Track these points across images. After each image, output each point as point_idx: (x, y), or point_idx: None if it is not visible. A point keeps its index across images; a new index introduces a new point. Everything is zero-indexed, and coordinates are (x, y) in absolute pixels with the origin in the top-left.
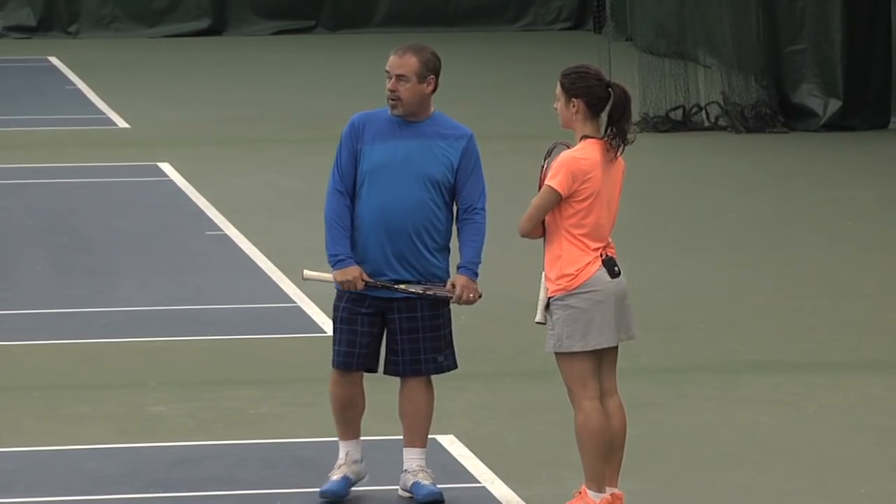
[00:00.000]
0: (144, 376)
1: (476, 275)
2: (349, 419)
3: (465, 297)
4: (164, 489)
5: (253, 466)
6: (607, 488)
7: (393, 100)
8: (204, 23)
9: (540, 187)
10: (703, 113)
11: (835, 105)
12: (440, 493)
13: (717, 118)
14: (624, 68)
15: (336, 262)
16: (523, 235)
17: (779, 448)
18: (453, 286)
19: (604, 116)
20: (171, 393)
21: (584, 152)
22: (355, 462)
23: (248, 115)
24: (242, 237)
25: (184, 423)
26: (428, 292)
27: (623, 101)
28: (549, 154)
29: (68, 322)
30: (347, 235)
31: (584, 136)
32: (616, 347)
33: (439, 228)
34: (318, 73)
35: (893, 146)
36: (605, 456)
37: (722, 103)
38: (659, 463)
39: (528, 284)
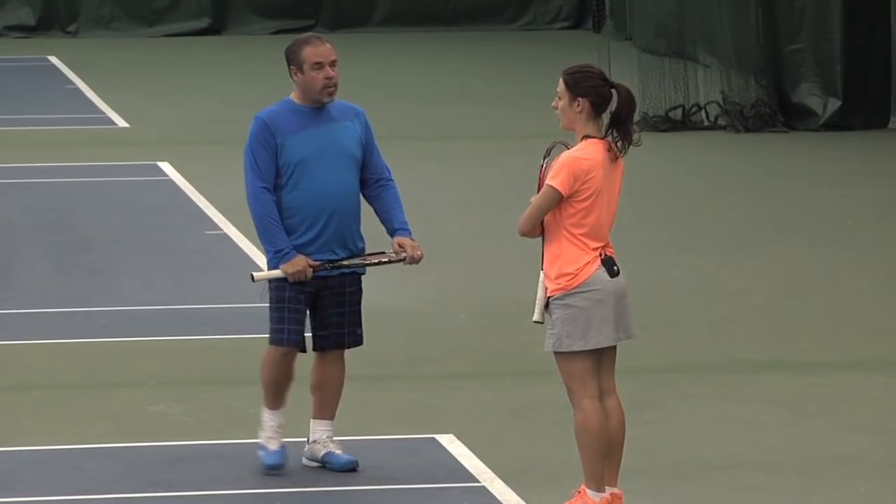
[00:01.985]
0: (144, 375)
1: (411, 234)
2: (285, 391)
3: (417, 255)
4: (164, 488)
5: (252, 466)
6: (606, 487)
7: (332, 87)
8: (203, 22)
9: (539, 187)
10: (703, 112)
11: (834, 104)
12: (356, 461)
13: (716, 117)
14: (623, 68)
15: (282, 256)
16: (522, 235)
17: (778, 447)
18: (401, 248)
19: (604, 116)
20: (171, 392)
21: (586, 152)
22: (323, 443)
23: (247, 115)
24: (242, 236)
25: (183, 423)
26: (383, 260)
27: (628, 102)
28: (548, 154)
29: (68, 321)
30: (282, 228)
31: (586, 136)
32: (615, 347)
33: (360, 204)
34: None
35: (893, 145)
36: (604, 455)
37: (721, 103)
38: (658, 462)
39: (527, 284)
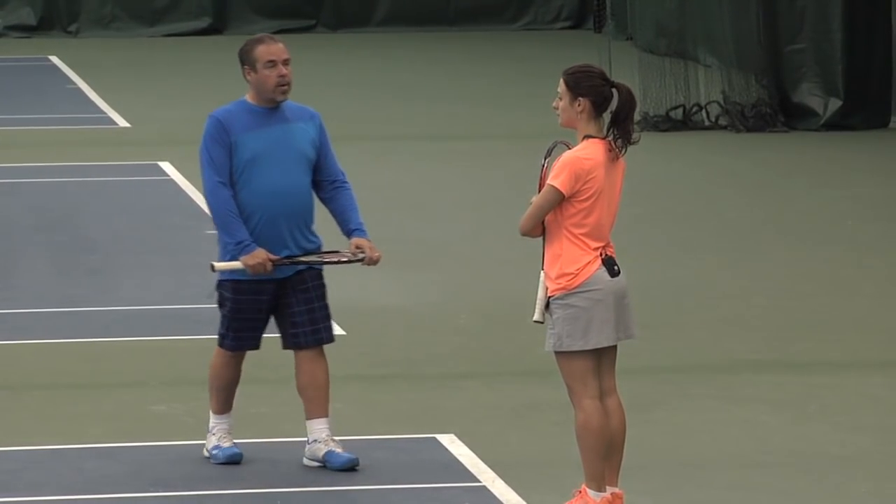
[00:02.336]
0: (145, 375)
1: (367, 235)
2: (232, 394)
3: (375, 256)
4: (165, 488)
5: (253, 465)
6: (607, 487)
7: (285, 85)
8: (204, 22)
9: (540, 187)
10: (704, 112)
11: (835, 104)
12: (357, 459)
13: (717, 117)
14: (624, 67)
15: (243, 248)
16: (524, 234)
17: (779, 447)
18: (358, 249)
19: (605, 116)
20: (172, 392)
21: (587, 152)
22: (323, 441)
23: None
24: None
25: (184, 422)
26: (342, 259)
27: (629, 101)
28: (549, 153)
29: (68, 321)
30: (241, 222)
31: (587, 136)
32: (615, 347)
33: (313, 204)
34: (318, 72)
35: (894, 145)
36: (605, 455)
37: (722, 102)
38: (659, 462)
39: (528, 284)
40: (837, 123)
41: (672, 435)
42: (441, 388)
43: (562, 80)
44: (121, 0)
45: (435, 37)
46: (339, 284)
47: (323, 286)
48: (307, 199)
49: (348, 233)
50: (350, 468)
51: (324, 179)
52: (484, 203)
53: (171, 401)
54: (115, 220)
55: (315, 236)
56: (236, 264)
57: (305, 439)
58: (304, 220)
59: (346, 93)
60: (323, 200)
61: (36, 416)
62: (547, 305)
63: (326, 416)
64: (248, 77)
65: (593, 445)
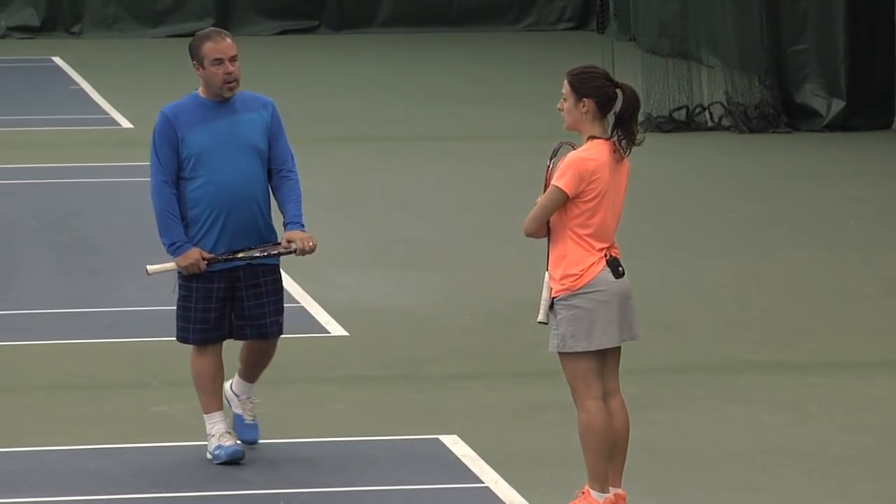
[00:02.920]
0: (147, 376)
1: (303, 226)
2: (216, 389)
3: (307, 247)
4: (167, 489)
5: (256, 466)
6: (610, 488)
7: (231, 82)
8: (207, 23)
9: (545, 187)
10: (707, 113)
11: (838, 105)
12: (256, 440)
13: (720, 118)
14: (627, 68)
15: (176, 249)
16: (528, 235)
17: (781, 448)
18: (290, 241)
19: (610, 117)
20: (174, 393)
21: (592, 153)
22: (242, 402)
23: None
24: None
25: (187, 423)
26: (272, 252)
27: (633, 102)
28: (555, 154)
29: (71, 322)
30: (180, 222)
31: (591, 137)
32: (619, 348)
33: (268, 195)
34: (321, 73)
35: None
36: (608, 456)
37: (725, 103)
38: (662, 463)
39: (531, 285)
40: (840, 124)
41: (674, 435)
42: (444, 388)
43: (566, 81)
44: (124, 1)
45: (438, 37)
46: (341, 285)
47: (277, 281)
48: (258, 189)
49: (284, 224)
50: (249, 442)
51: (273, 167)
52: (487, 204)
53: (173, 401)
54: (117, 221)
55: (273, 230)
56: (170, 266)
57: (309, 439)
58: (258, 211)
59: (349, 93)
60: (271, 189)
61: (38, 417)
62: (551, 306)
63: (253, 383)
64: (198, 72)
65: (596, 446)
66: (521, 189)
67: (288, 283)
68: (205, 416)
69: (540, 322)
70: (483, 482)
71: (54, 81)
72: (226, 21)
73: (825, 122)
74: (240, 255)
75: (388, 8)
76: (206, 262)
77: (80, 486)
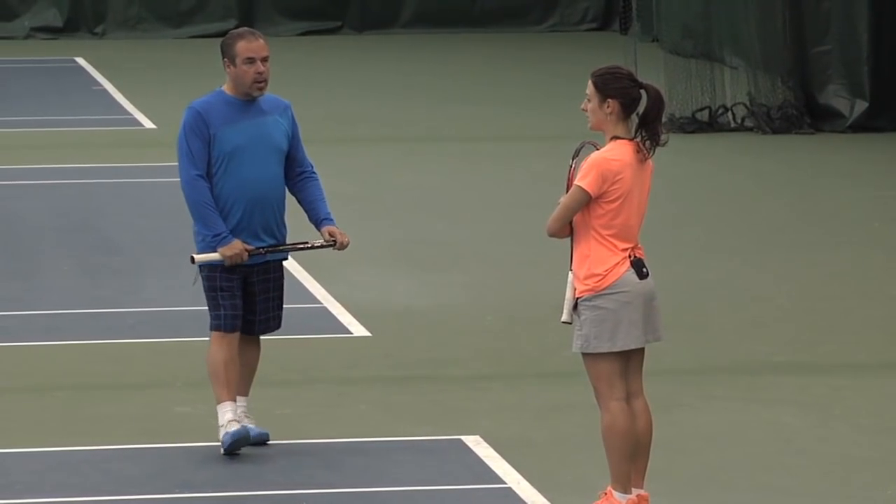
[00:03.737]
0: (170, 376)
1: (335, 223)
2: (232, 378)
3: (345, 241)
4: (190, 489)
5: (279, 467)
6: (633, 489)
7: (261, 81)
8: (230, 23)
9: (568, 187)
10: (730, 114)
11: (861, 106)
12: (267, 434)
13: (743, 119)
14: (650, 69)
15: (221, 240)
16: (551, 235)
17: (804, 449)
18: (331, 235)
19: (634, 117)
20: (197, 393)
21: (615, 153)
22: (238, 417)
23: None
24: None
25: (209, 424)
26: (315, 244)
27: (657, 102)
28: (577, 154)
29: (94, 322)
30: (218, 214)
31: (615, 137)
32: (643, 349)
33: (284, 196)
34: (343, 73)
35: None
36: (630, 457)
37: (748, 104)
38: (684, 464)
39: (554, 285)
40: (863, 125)
41: (696, 436)
42: (466, 389)
43: (590, 82)
44: (147, 1)
45: (460, 38)
46: (364, 286)
47: (282, 276)
48: (280, 189)
49: (318, 222)
50: (260, 442)
51: (294, 170)
52: (510, 204)
53: (196, 402)
54: (140, 221)
55: (285, 227)
56: (215, 256)
57: (331, 439)
58: (278, 209)
59: (372, 94)
60: (292, 190)
61: (61, 418)
62: (575, 306)
63: (246, 395)
64: (228, 70)
65: (619, 447)
66: (544, 189)
67: (310, 283)
68: (217, 406)
69: (564, 322)
70: (505, 483)
71: (77, 82)
72: (249, 22)
73: (848, 123)
74: (280, 248)
75: (410, 9)
76: (248, 253)
77: (102, 487)
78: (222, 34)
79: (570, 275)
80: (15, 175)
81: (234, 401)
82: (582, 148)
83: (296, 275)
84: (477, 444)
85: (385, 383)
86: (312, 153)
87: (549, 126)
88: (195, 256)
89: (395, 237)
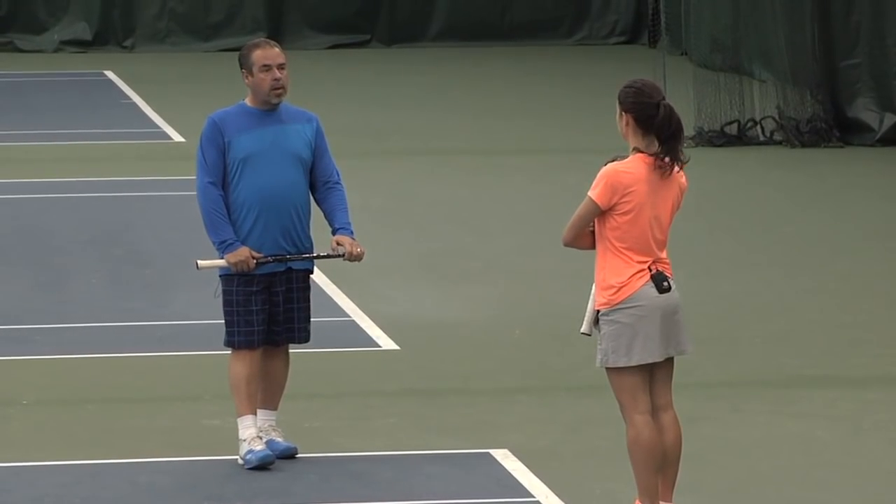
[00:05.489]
0: (199, 389)
1: (352, 233)
2: (253, 393)
3: (356, 252)
4: (218, 502)
5: (307, 480)
6: (661, 502)
7: (279, 88)
8: (259, 37)
9: None
10: (759, 127)
11: (890, 119)
12: (296, 448)
13: (772, 132)
14: (679, 82)
15: (226, 247)
16: (566, 245)
17: (833, 463)
18: (339, 244)
19: None
20: (226, 406)
21: (629, 166)
22: (265, 431)
23: None
24: None
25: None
26: (321, 254)
27: (667, 120)
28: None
29: (123, 335)
30: (228, 221)
31: (636, 150)
32: (670, 361)
33: (307, 203)
34: (372, 87)
35: None
36: (657, 470)
37: (777, 117)
38: (713, 478)
39: (582, 298)
40: (892, 138)
41: (725, 450)
42: (495, 402)
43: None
44: (176, 15)
45: (489, 52)
46: (393, 299)
47: (308, 288)
48: (301, 198)
49: (333, 230)
50: (289, 456)
51: (318, 180)
52: (538, 218)
53: (225, 415)
54: (170, 234)
55: (309, 238)
56: (220, 262)
57: (360, 453)
58: (299, 218)
59: (400, 107)
60: (317, 201)
61: (91, 430)
62: (596, 320)
63: (275, 409)
64: (246, 81)
65: (644, 460)
66: (573, 203)
67: (339, 296)
68: (238, 419)
69: (583, 333)
70: (534, 496)
71: (106, 95)
72: (277, 35)
73: (877, 137)
74: (288, 257)
75: (439, 22)
76: (255, 261)
77: (131, 500)
78: None
79: (594, 286)
80: (44, 188)
81: (255, 414)
82: (613, 161)
83: (324, 288)
84: (505, 458)
85: (414, 396)
86: (341, 166)
87: (578, 139)
88: (199, 262)
89: (424, 250)
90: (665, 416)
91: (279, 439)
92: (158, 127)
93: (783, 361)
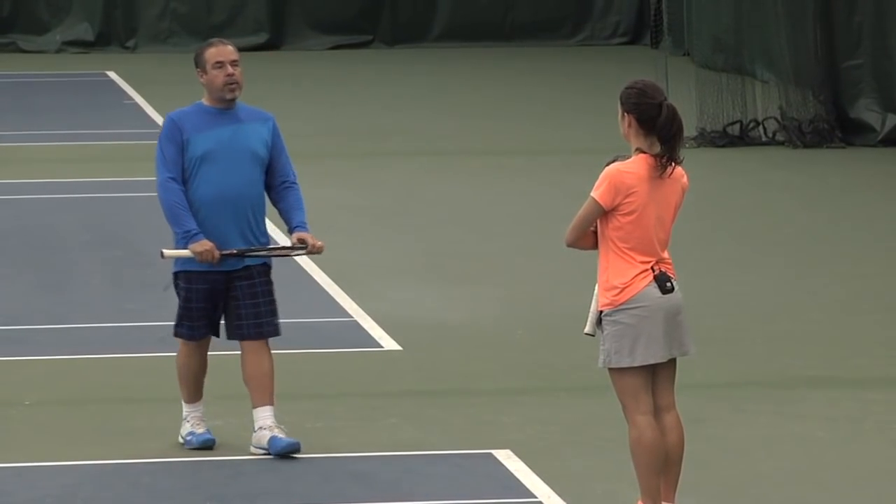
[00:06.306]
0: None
1: (309, 231)
2: (199, 384)
3: (318, 245)
4: (221, 502)
5: (309, 480)
6: (664, 503)
7: (233, 84)
8: (261, 37)
9: None
10: (761, 128)
11: (893, 120)
12: (298, 444)
13: (774, 133)
14: (681, 83)
15: (190, 238)
16: (568, 245)
17: (835, 464)
18: (301, 241)
19: None
20: (228, 407)
21: (631, 166)
22: (268, 428)
23: (304, 130)
24: None
25: (240, 437)
26: (286, 246)
27: (669, 121)
28: (608, 166)
29: (124, 336)
30: (190, 214)
31: (638, 150)
32: (673, 363)
33: (263, 201)
34: (374, 87)
35: None
36: (659, 470)
37: (779, 118)
38: (715, 478)
39: (584, 299)
40: (894, 139)
41: (727, 451)
42: (497, 403)
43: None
44: (178, 16)
45: (491, 52)
46: (395, 300)
47: (269, 283)
48: (256, 194)
49: (291, 229)
50: (291, 452)
51: (275, 180)
52: (541, 218)
53: (227, 415)
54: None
55: (265, 235)
56: (185, 252)
57: (361, 453)
58: (254, 216)
59: (403, 108)
60: (273, 200)
61: (92, 431)
62: (599, 320)
63: (271, 404)
64: (201, 79)
65: (647, 461)
66: (575, 203)
67: (341, 297)
68: (184, 403)
69: (586, 334)
70: (536, 497)
71: (109, 96)
72: (280, 36)
73: (879, 137)
74: (253, 252)
75: (441, 23)
76: (219, 252)
77: (133, 500)
78: (254, 48)
79: (597, 287)
80: (46, 189)
81: (199, 402)
82: (614, 160)
83: (327, 289)
84: (508, 458)
85: (416, 397)
86: (343, 167)
87: (581, 140)
88: (164, 251)
89: (426, 251)
90: (668, 417)
91: (281, 436)
92: (160, 127)
93: (785, 362)
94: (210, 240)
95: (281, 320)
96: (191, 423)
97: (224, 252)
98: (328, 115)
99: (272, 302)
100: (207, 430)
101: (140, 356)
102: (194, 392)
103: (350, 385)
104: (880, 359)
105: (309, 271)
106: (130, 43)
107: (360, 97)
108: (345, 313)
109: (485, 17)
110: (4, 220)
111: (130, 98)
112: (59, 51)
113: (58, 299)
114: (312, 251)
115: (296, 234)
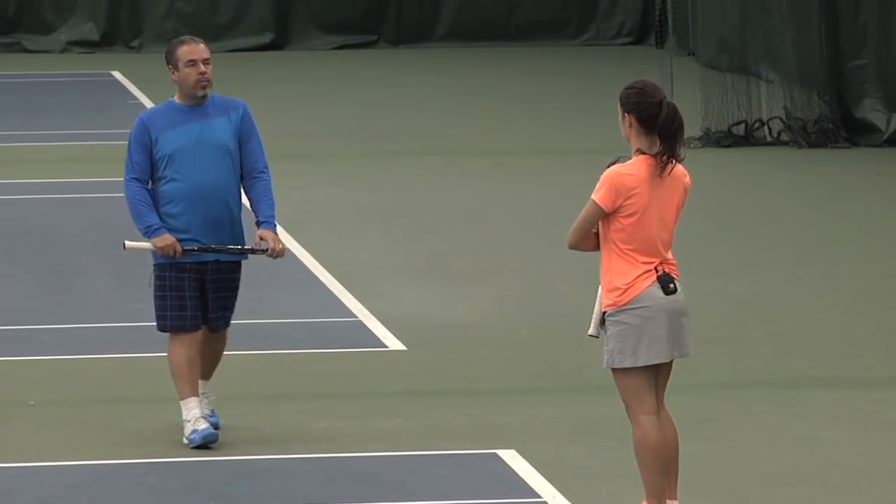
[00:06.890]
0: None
1: (275, 227)
2: (193, 377)
3: (278, 248)
4: (225, 502)
5: (313, 481)
6: (668, 502)
7: (204, 81)
8: (266, 37)
9: None
10: (766, 128)
11: None
12: (218, 422)
13: (779, 133)
14: (686, 83)
15: (152, 232)
16: (571, 247)
17: (840, 464)
18: (262, 239)
19: None
20: (232, 407)
21: (632, 168)
22: (205, 416)
23: (309, 130)
24: (303, 251)
25: (244, 437)
26: (246, 247)
27: (670, 118)
28: (609, 167)
29: (130, 336)
30: (153, 210)
31: (638, 150)
32: (670, 363)
33: (239, 194)
34: (379, 87)
35: None
36: (663, 470)
37: (784, 118)
38: (720, 478)
39: (588, 299)
40: None
41: (733, 451)
42: (502, 403)
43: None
44: (183, 16)
45: (496, 52)
46: (399, 300)
47: (237, 279)
48: (229, 188)
49: (257, 223)
50: (209, 441)
51: (245, 168)
52: (545, 218)
53: (231, 415)
54: None
55: (240, 226)
56: (147, 245)
57: (366, 454)
58: (227, 209)
59: (407, 108)
60: (245, 190)
61: (98, 431)
62: (602, 321)
63: (208, 379)
64: (173, 76)
65: (651, 461)
66: (579, 204)
67: (345, 297)
68: (181, 402)
69: (590, 335)
70: (541, 497)
71: (113, 96)
72: (285, 36)
73: (884, 137)
74: (214, 247)
75: (446, 23)
76: (181, 245)
77: (139, 500)
78: (259, 48)
79: (600, 289)
80: (51, 188)
81: (198, 396)
82: (615, 161)
83: (331, 288)
84: (512, 458)
85: (420, 397)
86: (348, 167)
87: (585, 140)
88: (127, 243)
89: (431, 251)
90: (661, 415)
91: (207, 410)
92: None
93: (790, 362)
94: (188, 234)
95: (285, 320)
96: (192, 423)
97: (185, 248)
98: (333, 114)
99: (233, 297)
100: (208, 425)
101: (145, 356)
102: (188, 385)
103: (354, 385)
104: (886, 359)
105: (314, 271)
106: (135, 43)
107: (364, 97)
108: (349, 313)
109: (489, 18)
110: (9, 219)
111: (135, 98)
112: (63, 51)
113: (63, 299)
114: (273, 253)
115: (260, 232)
